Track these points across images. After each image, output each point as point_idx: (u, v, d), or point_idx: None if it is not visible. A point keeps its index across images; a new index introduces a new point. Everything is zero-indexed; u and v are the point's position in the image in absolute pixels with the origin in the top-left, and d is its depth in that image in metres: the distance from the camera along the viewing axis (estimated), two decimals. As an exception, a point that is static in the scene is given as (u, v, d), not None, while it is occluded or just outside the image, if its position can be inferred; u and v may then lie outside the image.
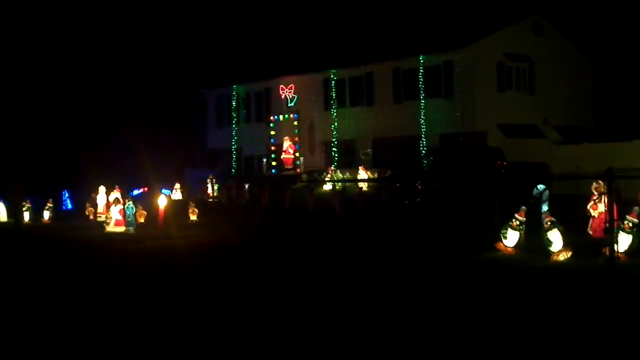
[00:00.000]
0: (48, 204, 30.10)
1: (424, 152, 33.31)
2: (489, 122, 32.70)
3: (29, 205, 29.40)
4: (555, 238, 13.80)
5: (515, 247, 14.66)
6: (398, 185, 24.38)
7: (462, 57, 33.08)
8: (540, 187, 14.54)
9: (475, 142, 32.19)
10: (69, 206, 32.93)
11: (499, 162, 26.25)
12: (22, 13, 49.48)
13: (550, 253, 13.78)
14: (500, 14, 35.29)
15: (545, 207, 14.25)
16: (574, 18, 38.04)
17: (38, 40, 49.25)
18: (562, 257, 13.65)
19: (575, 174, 23.59)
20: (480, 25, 34.42)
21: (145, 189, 29.79)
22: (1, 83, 47.92)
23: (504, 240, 14.76)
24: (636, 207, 13.76)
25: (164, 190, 28.59)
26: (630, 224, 13.53)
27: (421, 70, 34.20)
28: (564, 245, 13.75)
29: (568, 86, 35.51)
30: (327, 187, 32.47)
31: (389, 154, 35.17)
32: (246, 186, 32.54)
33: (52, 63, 48.44)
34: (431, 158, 30.87)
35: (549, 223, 13.91)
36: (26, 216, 28.82)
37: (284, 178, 35.96)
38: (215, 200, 34.30)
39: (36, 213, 30.13)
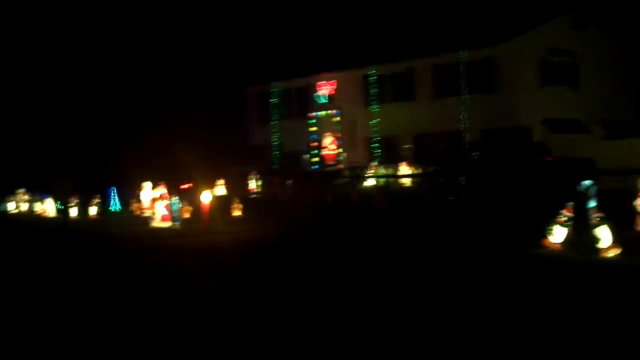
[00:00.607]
0: (95, 200, 30.60)
1: (466, 147, 33.17)
2: (532, 117, 32.46)
3: (76, 201, 29.90)
4: (604, 234, 13.67)
5: (562, 243, 14.56)
6: (441, 180, 24.33)
7: (503, 52, 32.87)
8: (587, 182, 14.43)
9: (519, 137, 31.96)
10: (116, 202, 33.44)
11: (543, 157, 26.04)
12: (73, 8, 50.24)
13: (598, 250, 13.68)
14: (541, 8, 34.96)
15: (592, 203, 14.13)
16: (615, 12, 37.53)
17: (84, 36, 49.97)
18: (611, 253, 13.54)
19: (622, 170, 23.34)
20: (522, 20, 34.16)
21: (190, 185, 30.08)
22: (51, 79, 48.76)
23: (550, 237, 14.66)
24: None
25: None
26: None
27: (463, 66, 34.06)
28: (613, 242, 13.63)
29: (611, 80, 35.12)
30: (370, 183, 32.57)
31: (431, 150, 35.15)
32: (288, 182, 32.76)
33: (100, 59, 49.14)
34: (475, 153, 30.70)
35: (597, 219, 13.79)
36: (74, 212, 29.32)
37: (326, 174, 36.10)
38: (258, 196, 34.56)
39: (83, 209, 30.66)
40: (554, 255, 14.17)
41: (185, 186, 28.04)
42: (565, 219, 14.45)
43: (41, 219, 31.07)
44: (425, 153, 35.37)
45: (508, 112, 32.76)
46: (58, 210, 30.57)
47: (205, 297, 11.28)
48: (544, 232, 14.81)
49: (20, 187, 35.83)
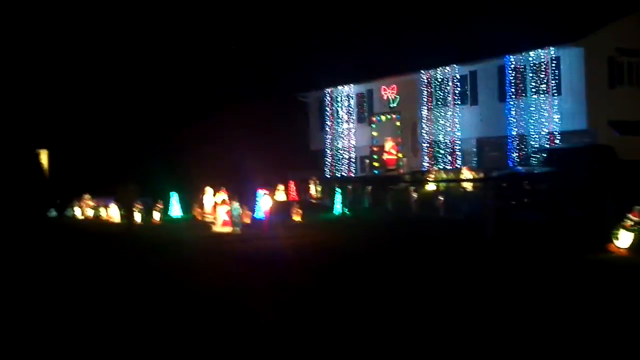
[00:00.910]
0: (158, 205, 31.02)
1: (531, 151, 32.48)
2: (600, 119, 31.58)
3: (140, 206, 30.35)
4: (673, 239, 13.20)
5: (629, 248, 14.10)
6: (504, 185, 23.84)
7: (570, 52, 32.09)
8: (656, 186, 13.95)
9: (586, 140, 31.17)
10: (178, 207, 33.85)
11: (610, 160, 25.28)
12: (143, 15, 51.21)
13: (666, 255, 13.20)
14: (610, 7, 34.02)
15: (661, 207, 13.68)
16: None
17: (153, 44, 50.87)
18: (680, 259, 13.04)
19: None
20: (590, 20, 33.28)
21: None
22: (118, 86, 49.80)
23: (616, 241, 14.23)
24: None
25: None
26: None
27: (528, 68, 33.40)
28: (681, 247, 13.13)
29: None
30: (431, 187, 32.20)
31: (493, 154, 34.58)
32: (349, 187, 32.64)
33: (166, 66, 49.99)
34: (539, 157, 30.04)
35: (665, 224, 13.32)
36: (138, 217, 29.75)
37: (387, 179, 35.86)
38: (318, 201, 34.55)
39: (147, 214, 31.12)
40: (620, 260, 13.72)
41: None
42: (632, 223, 13.99)
43: (106, 225, 31.64)
44: (488, 157, 34.82)
45: (575, 114, 31.95)
46: (122, 216, 31.08)
47: (265, 302, 11.22)
48: (610, 236, 14.37)
49: (86, 192, 36.58)
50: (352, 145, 42.73)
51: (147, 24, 51.33)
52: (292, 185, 37.91)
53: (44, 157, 49.89)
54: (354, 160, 43.02)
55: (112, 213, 33.03)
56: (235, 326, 9.51)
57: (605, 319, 9.13)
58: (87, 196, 36.34)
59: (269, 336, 8.89)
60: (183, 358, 8.19)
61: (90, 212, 35.64)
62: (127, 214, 28.31)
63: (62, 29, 51.31)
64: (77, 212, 36.44)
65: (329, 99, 44.19)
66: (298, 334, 8.97)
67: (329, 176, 40.78)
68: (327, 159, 44.28)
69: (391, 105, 40.06)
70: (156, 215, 30.76)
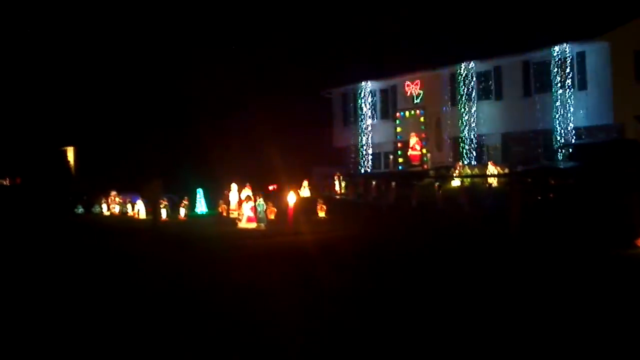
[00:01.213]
0: (184, 202, 31.20)
1: (556, 146, 32.30)
2: (626, 114, 31.31)
3: (166, 202, 30.53)
4: (702, 234, 13.08)
5: (657, 243, 14.01)
6: (530, 180, 23.74)
7: (596, 47, 31.85)
8: (684, 180, 13.84)
9: (612, 134, 30.93)
10: (203, 203, 34.02)
11: (637, 155, 25.07)
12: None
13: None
14: (636, 1, 33.66)
15: (690, 202, 13.56)
16: None
17: (174, 42, 51.14)
18: None
19: None
20: (615, 14, 32.97)
21: (275, 186, 30.35)
22: (141, 83, 50.14)
23: (644, 237, 14.13)
24: None
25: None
26: None
27: (553, 62, 33.18)
28: None
29: None
30: (455, 183, 32.12)
31: (519, 149, 34.42)
32: (373, 183, 32.63)
33: (189, 64, 50.20)
34: (565, 152, 29.87)
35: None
36: (163, 213, 29.94)
37: (411, 174, 35.82)
38: (343, 197, 34.57)
39: (172, 210, 31.30)
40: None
41: (271, 187, 28.29)
42: (660, 218, 13.88)
43: (132, 221, 31.87)
44: (514, 152, 34.67)
45: (600, 109, 31.74)
46: (148, 212, 31.29)
47: (286, 298, 11.28)
48: (638, 231, 14.27)
49: (112, 189, 36.87)
50: (376, 142, 42.69)
51: (174, 20, 51.60)
52: (316, 181, 38.02)
53: (70, 154, 50.44)
54: (378, 156, 42.99)
55: (139, 209, 33.27)
56: (258, 322, 9.59)
57: (628, 315, 9.10)
58: (113, 193, 36.59)
59: (290, 332, 8.96)
60: (204, 352, 8.29)
61: (116, 209, 35.89)
62: (153, 210, 28.51)
63: (88, 28, 51.75)
64: (104, 208, 36.71)
65: (354, 94, 44.16)
66: (320, 330, 9.02)
67: (353, 172, 40.76)
68: (352, 155, 44.27)
69: (415, 101, 39.97)
70: (182, 212, 30.93)
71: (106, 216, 35.54)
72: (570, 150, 28.66)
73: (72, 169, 49.70)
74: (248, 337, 8.76)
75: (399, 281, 12.50)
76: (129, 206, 34.94)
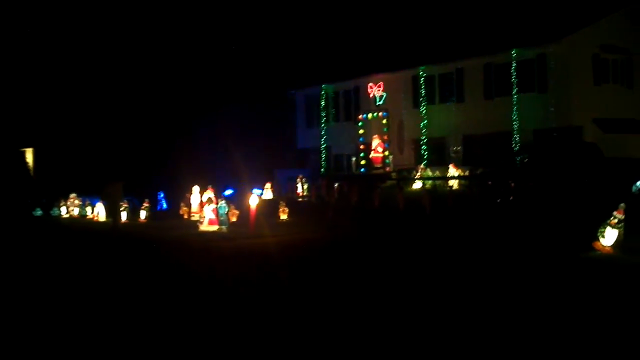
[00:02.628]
0: (144, 204, 30.91)
1: (516, 148, 32.61)
2: (585, 116, 31.72)
3: (126, 205, 30.23)
4: (657, 236, 13.28)
5: (614, 246, 14.18)
6: (490, 183, 23.94)
7: (556, 50, 32.22)
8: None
9: (571, 137, 31.32)
10: (164, 206, 33.74)
11: (595, 158, 25.44)
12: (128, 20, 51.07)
13: (651, 252, 13.28)
14: (595, 5, 34.18)
15: (645, 205, 13.77)
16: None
17: (133, 45, 50.74)
18: (664, 256, 13.12)
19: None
20: (575, 17, 33.44)
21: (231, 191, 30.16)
22: (102, 86, 49.62)
23: (601, 239, 14.29)
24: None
25: (255, 190, 28.95)
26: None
27: (514, 65, 33.51)
28: (666, 244, 13.21)
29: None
30: (417, 185, 32.26)
31: (480, 151, 34.68)
32: (336, 185, 32.63)
33: (150, 66, 49.85)
34: (524, 155, 30.17)
35: (650, 221, 13.40)
36: (124, 216, 29.64)
37: (374, 177, 35.90)
38: (305, 199, 34.54)
39: (133, 213, 31.00)
40: (605, 258, 13.80)
41: (231, 191, 28.14)
42: (617, 220, 14.06)
43: (92, 223, 31.49)
44: (475, 155, 34.91)
45: (560, 111, 32.10)
46: (108, 215, 30.95)
47: (246, 298, 11.23)
48: (595, 234, 14.44)
49: (72, 191, 36.41)
50: (339, 144, 42.71)
51: (135, 25, 51.18)
52: (278, 183, 37.95)
53: (29, 155, 49.64)
54: (341, 158, 43.03)
55: (98, 212, 32.89)
56: (219, 323, 9.52)
57: (588, 317, 9.19)
58: (73, 195, 36.14)
59: (252, 333, 8.90)
60: (167, 356, 8.19)
61: (76, 211, 35.45)
62: (113, 213, 28.21)
63: (46, 27, 51.05)
64: (63, 211, 36.23)
65: (316, 96, 44.13)
66: (282, 330, 8.98)
67: (315, 174, 40.73)
68: (314, 157, 44.23)
69: (378, 103, 40.08)
70: (143, 214, 30.64)
71: (65, 218, 35.08)
72: (530, 152, 28.96)
73: (31, 170, 48.92)
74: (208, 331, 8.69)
75: (351, 279, 12.58)
76: (88, 209, 34.52)
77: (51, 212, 36.95)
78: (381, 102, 39.98)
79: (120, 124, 48.24)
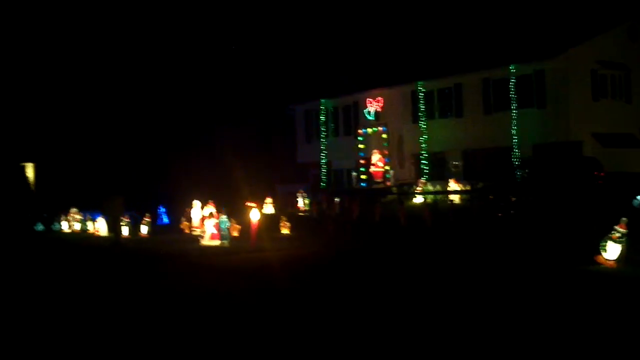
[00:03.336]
0: (145, 219, 30.96)
1: (516, 163, 32.74)
2: (584, 131, 31.88)
3: (127, 220, 30.29)
4: (659, 250, 13.37)
5: (617, 260, 14.25)
6: (491, 197, 24.02)
7: (554, 65, 32.39)
8: (641, 198, 14.15)
9: (570, 152, 31.45)
10: (166, 220, 33.78)
11: (595, 172, 25.55)
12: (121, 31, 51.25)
13: (654, 266, 13.36)
14: (593, 21, 34.42)
15: (647, 219, 13.86)
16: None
17: (132, 59, 50.91)
18: (666, 270, 13.19)
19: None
20: (573, 33, 33.65)
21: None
22: (102, 99, 49.76)
23: (603, 253, 14.37)
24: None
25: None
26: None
27: (512, 80, 33.66)
28: (668, 258, 13.28)
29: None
30: (418, 200, 32.34)
31: (480, 166, 34.80)
32: (336, 200, 32.70)
33: (152, 80, 50.01)
34: (525, 169, 30.29)
35: (651, 235, 13.48)
36: (125, 231, 29.69)
37: (374, 191, 35.97)
38: (306, 214, 34.58)
39: (134, 227, 31.05)
40: (608, 272, 13.86)
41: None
42: (619, 235, 14.14)
43: (93, 238, 31.53)
44: (475, 169, 35.03)
45: (559, 126, 32.24)
46: (109, 229, 30.99)
47: (249, 313, 11.28)
48: (598, 248, 14.51)
49: (73, 206, 36.47)
50: (339, 158, 42.82)
51: (138, 39, 51.40)
52: (280, 198, 38.03)
53: (30, 170, 49.71)
54: (341, 172, 43.13)
55: (99, 226, 32.94)
56: (220, 337, 9.57)
57: (590, 330, 9.25)
58: (74, 210, 36.20)
59: (250, 346, 8.96)
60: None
61: (77, 226, 35.49)
62: (114, 228, 28.28)
63: (47, 42, 51.25)
64: (64, 225, 36.28)
65: (317, 111, 44.28)
66: (281, 343, 9.04)
67: (316, 189, 40.80)
68: (315, 172, 44.33)
69: (369, 119, 40.21)
70: (144, 229, 30.68)
71: (66, 233, 35.12)
72: (530, 167, 29.07)
73: (32, 185, 48.98)
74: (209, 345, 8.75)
75: (352, 293, 12.66)
76: (89, 223, 34.57)
77: (52, 226, 37.01)
78: (381, 117, 39.99)
79: (121, 139, 48.35)
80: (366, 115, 40.29)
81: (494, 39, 37.44)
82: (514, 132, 33.48)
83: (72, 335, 10.21)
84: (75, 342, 9.76)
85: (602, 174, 25.68)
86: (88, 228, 34.46)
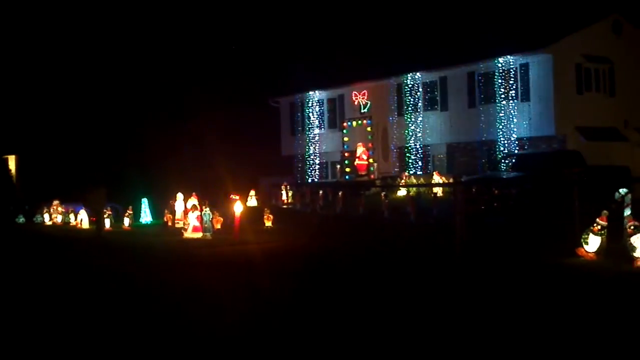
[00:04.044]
0: (128, 211, 30.81)
1: (500, 156, 32.80)
2: (568, 125, 31.98)
3: (109, 212, 30.12)
4: (639, 243, 13.36)
5: (597, 252, 14.26)
6: (474, 190, 24.01)
7: (539, 59, 32.45)
8: (623, 190, 14.15)
9: (554, 146, 31.54)
10: (148, 213, 33.61)
11: (578, 166, 25.62)
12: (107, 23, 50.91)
13: (633, 258, 13.36)
14: (577, 14, 34.48)
15: (628, 211, 13.87)
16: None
17: (119, 51, 50.60)
18: (647, 263, 13.21)
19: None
20: (558, 27, 33.70)
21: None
22: (85, 91, 49.41)
23: (585, 246, 14.38)
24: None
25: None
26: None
27: (497, 74, 33.70)
28: (648, 251, 13.29)
29: (649, 87, 34.51)
30: (401, 192, 32.33)
31: (463, 159, 34.84)
32: (320, 192, 32.65)
33: (136, 72, 49.70)
34: (508, 162, 30.35)
35: (632, 227, 13.48)
36: (107, 223, 29.52)
37: (358, 184, 35.94)
38: (290, 206, 34.52)
39: (116, 220, 30.89)
40: (589, 265, 13.87)
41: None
42: (600, 227, 14.15)
43: (75, 231, 31.33)
44: (458, 162, 35.07)
45: (543, 120, 32.32)
46: (91, 222, 30.82)
47: (228, 305, 11.21)
48: (579, 240, 14.53)
49: (55, 198, 36.22)
50: (323, 151, 42.77)
51: (117, 30, 51.05)
52: (263, 190, 37.94)
53: (12, 162, 49.35)
54: (325, 165, 43.08)
55: (81, 219, 32.73)
56: (199, 331, 9.49)
57: (572, 323, 9.24)
58: (56, 202, 35.95)
59: (233, 341, 8.88)
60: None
61: (59, 218, 35.26)
62: (96, 220, 28.10)
63: (27, 33, 50.81)
64: (46, 218, 36.03)
65: (301, 104, 44.19)
66: (264, 338, 8.97)
67: (300, 182, 40.74)
68: (299, 165, 44.26)
69: (362, 111, 40.15)
70: (126, 221, 30.52)
71: (48, 226, 34.89)
72: (514, 160, 29.12)
73: (14, 177, 48.61)
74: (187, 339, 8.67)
75: (332, 287, 12.59)
76: (71, 216, 34.35)
77: (34, 219, 36.77)
78: (366, 110, 39.95)
79: (104, 131, 48.04)
80: (361, 107, 40.09)
81: (480, 33, 37.42)
82: (498, 125, 33.53)
83: (47, 329, 10.10)
84: (47, 336, 9.64)
85: (584, 167, 25.73)
86: (70, 220, 34.25)
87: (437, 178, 32.62)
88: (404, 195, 30.92)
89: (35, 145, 48.74)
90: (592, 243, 14.28)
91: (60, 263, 18.71)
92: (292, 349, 8.47)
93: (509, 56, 33.25)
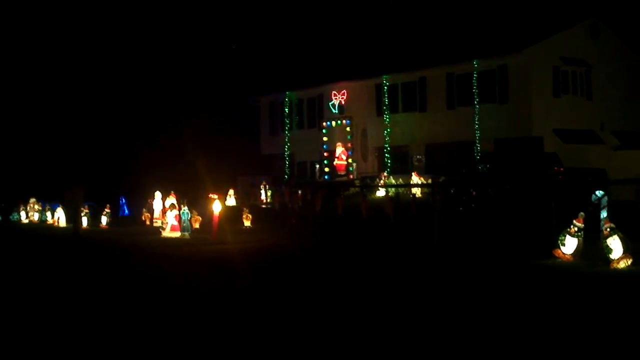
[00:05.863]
0: (106, 210, 30.64)
1: (478, 157, 32.97)
2: (545, 127, 32.20)
3: (87, 210, 29.94)
4: (615, 245, 13.50)
5: (574, 254, 14.41)
6: (452, 191, 24.14)
7: (517, 61, 32.66)
8: (599, 193, 14.30)
9: (531, 147, 31.75)
10: (126, 212, 33.45)
11: (555, 168, 25.83)
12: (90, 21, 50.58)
13: (609, 260, 13.50)
14: (555, 17, 34.76)
15: (604, 214, 14.01)
16: (631, 20, 37.31)
17: (98, 47, 50.29)
18: (622, 264, 13.35)
19: (635, 180, 23.08)
20: (535, 29, 33.95)
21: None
22: (64, 90, 49.06)
23: (561, 247, 14.53)
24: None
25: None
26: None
27: (475, 75, 33.87)
28: (624, 252, 13.44)
29: (626, 90, 34.84)
30: (380, 193, 32.39)
31: (442, 160, 34.96)
32: (299, 192, 32.63)
33: (114, 70, 49.44)
34: (486, 164, 30.52)
35: (608, 229, 13.63)
36: (84, 221, 29.34)
37: (337, 184, 35.96)
38: (269, 206, 34.49)
39: (94, 218, 30.71)
40: (565, 266, 14.01)
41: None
42: (577, 229, 14.30)
43: (52, 229, 31.10)
44: (437, 163, 35.18)
45: (521, 122, 32.51)
46: (68, 220, 30.62)
47: (206, 304, 11.20)
48: (555, 242, 14.66)
49: (32, 196, 35.95)
50: (303, 151, 42.71)
51: (98, 31, 50.77)
52: (242, 190, 37.86)
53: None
54: (304, 165, 43.04)
55: (59, 217, 32.51)
56: (175, 330, 9.49)
57: (546, 324, 9.32)
58: (32, 200, 35.68)
59: (209, 339, 8.88)
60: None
61: (36, 216, 34.99)
62: (73, 218, 27.93)
63: (8, 30, 50.39)
64: (23, 216, 35.74)
65: (281, 103, 44.12)
66: (240, 336, 8.97)
67: (279, 181, 40.68)
68: (278, 164, 44.19)
69: (334, 112, 40.17)
70: (104, 220, 30.35)
71: (25, 224, 34.61)
72: (491, 161, 29.29)
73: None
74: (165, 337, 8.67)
75: (310, 285, 12.66)
76: (48, 214, 34.11)
77: (10, 217, 36.45)
78: (345, 110, 39.95)
79: (82, 129, 47.72)
80: (331, 108, 40.26)
81: (459, 34, 37.63)
82: (476, 126, 33.71)
83: (22, 327, 10.04)
84: (22, 334, 9.59)
85: (562, 169, 25.95)
86: (47, 218, 34.00)
87: (415, 178, 32.70)
88: (382, 196, 30.97)
89: (13, 143, 48.32)
90: (569, 244, 14.43)
91: (35, 261, 18.57)
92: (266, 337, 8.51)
93: (487, 58, 33.41)
